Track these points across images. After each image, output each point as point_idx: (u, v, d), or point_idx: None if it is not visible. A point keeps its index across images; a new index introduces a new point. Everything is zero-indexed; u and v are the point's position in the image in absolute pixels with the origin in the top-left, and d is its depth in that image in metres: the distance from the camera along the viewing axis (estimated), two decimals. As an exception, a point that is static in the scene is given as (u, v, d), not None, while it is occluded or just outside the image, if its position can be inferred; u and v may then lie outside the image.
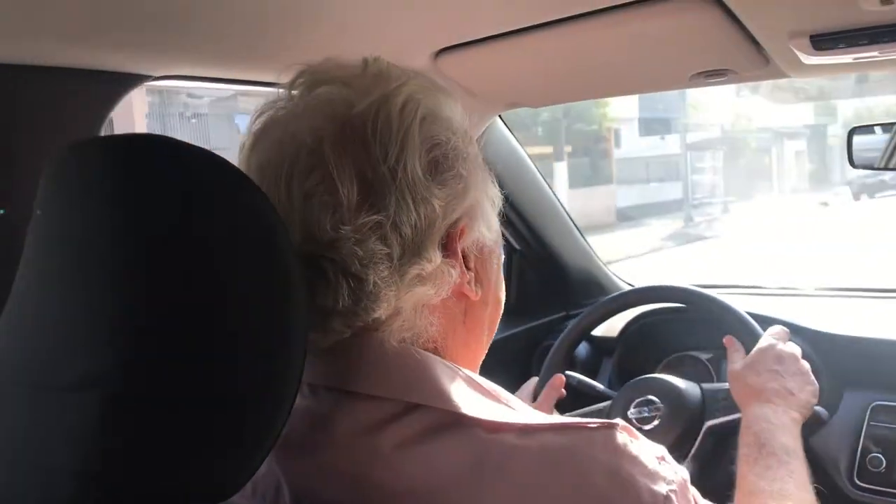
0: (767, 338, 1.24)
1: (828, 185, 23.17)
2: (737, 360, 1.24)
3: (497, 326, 0.78)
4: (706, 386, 1.36)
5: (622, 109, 20.00)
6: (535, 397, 1.44)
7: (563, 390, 1.38)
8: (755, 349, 1.22)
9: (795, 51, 1.04)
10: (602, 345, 1.74)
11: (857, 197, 20.59)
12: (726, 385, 1.29)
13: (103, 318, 0.52)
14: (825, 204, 20.44)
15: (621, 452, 0.62)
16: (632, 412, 1.36)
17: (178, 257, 0.53)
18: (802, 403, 1.14)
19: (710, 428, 1.31)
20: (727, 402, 1.28)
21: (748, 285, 2.06)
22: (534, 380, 1.50)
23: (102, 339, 0.52)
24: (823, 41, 0.98)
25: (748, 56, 1.11)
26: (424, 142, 0.66)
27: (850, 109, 24.16)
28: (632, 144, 21.42)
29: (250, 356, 0.54)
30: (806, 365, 1.19)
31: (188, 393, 0.52)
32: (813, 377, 1.18)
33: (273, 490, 0.68)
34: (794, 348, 1.21)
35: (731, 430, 1.27)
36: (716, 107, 22.69)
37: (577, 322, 1.56)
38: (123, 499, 0.51)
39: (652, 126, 21.86)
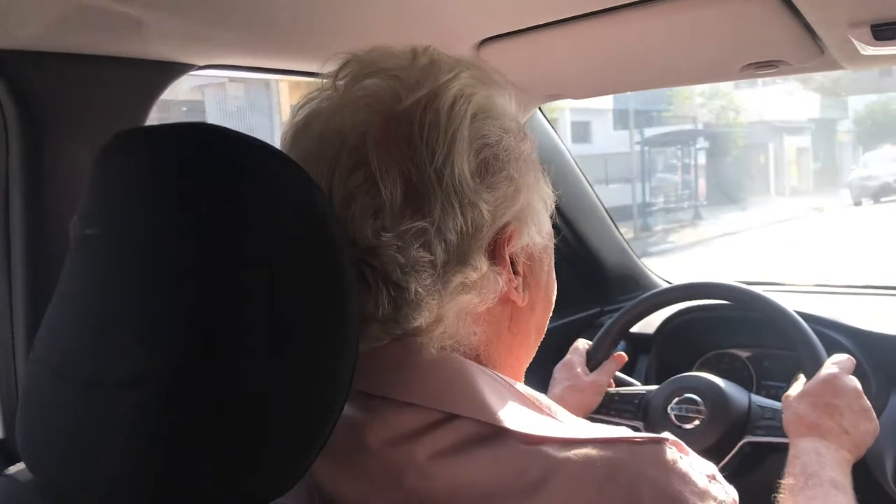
0: (830, 366, 1.17)
1: (835, 187, 20.33)
2: (795, 385, 1.19)
3: (545, 329, 0.75)
4: (755, 398, 1.32)
5: (590, 99, 17.47)
6: (587, 359, 1.44)
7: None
8: (816, 378, 1.16)
9: (854, 41, 1.01)
10: (638, 341, 1.71)
11: (857, 201, 18.05)
12: (776, 404, 1.25)
13: (154, 314, 0.51)
14: (819, 209, 17.94)
15: (670, 469, 0.59)
16: (672, 408, 1.34)
17: (231, 254, 0.51)
18: (857, 443, 1.08)
19: (747, 444, 1.27)
20: (772, 423, 1.24)
21: (786, 283, 2.03)
22: (582, 341, 1.48)
23: (153, 336, 0.51)
24: (885, 30, 0.95)
25: (803, 46, 1.08)
26: (474, 142, 0.63)
27: (861, 104, 22.25)
28: (604, 140, 18.48)
29: (305, 355, 0.53)
30: (867, 402, 1.12)
31: (238, 393, 0.51)
32: (874, 415, 1.12)
33: (305, 495, 0.66)
34: (856, 382, 1.15)
35: (768, 451, 1.24)
36: (700, 97, 19.35)
37: (627, 310, 1.52)
38: (171, 496, 0.50)
39: (628, 119, 18.55)
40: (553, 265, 0.75)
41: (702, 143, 20.04)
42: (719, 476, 0.64)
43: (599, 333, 1.49)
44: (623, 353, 1.45)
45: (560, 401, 1.33)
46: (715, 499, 0.60)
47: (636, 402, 1.40)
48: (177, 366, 0.50)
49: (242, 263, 0.52)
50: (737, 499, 0.64)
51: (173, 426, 0.50)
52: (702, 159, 20.22)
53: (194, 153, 0.53)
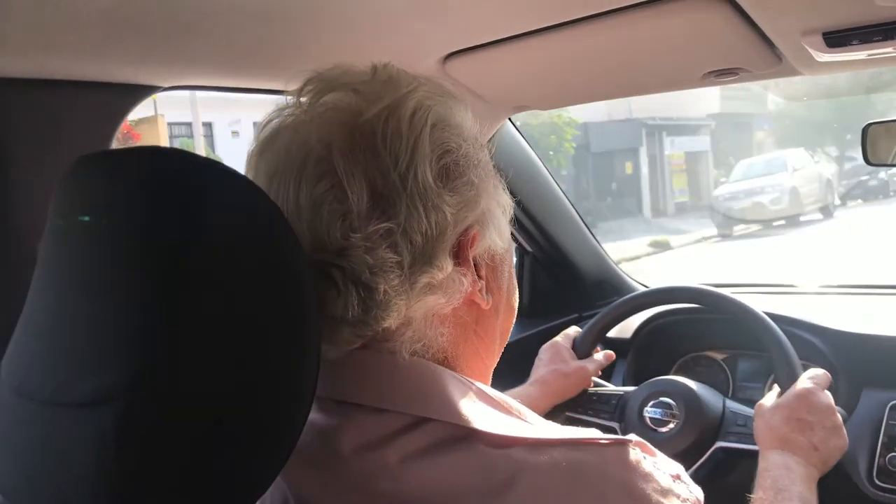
0: (805, 381, 1.18)
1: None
2: (769, 395, 1.20)
3: (510, 334, 0.78)
4: (729, 403, 1.34)
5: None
6: (574, 344, 1.45)
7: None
8: (791, 392, 1.17)
9: (808, 48, 1.03)
10: (616, 346, 1.72)
11: (724, 230, 13.23)
12: (750, 411, 1.26)
13: (116, 332, 0.52)
14: (660, 244, 12.55)
15: (633, 469, 0.61)
16: (647, 411, 1.35)
17: (189, 270, 0.53)
18: (824, 460, 1.10)
19: (720, 449, 1.29)
20: (744, 430, 1.26)
21: (759, 283, 2.05)
22: (573, 328, 1.50)
23: (115, 353, 0.52)
24: (836, 38, 0.98)
25: (760, 54, 1.10)
26: (435, 149, 0.65)
27: (780, 94, 16.44)
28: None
29: (264, 369, 0.54)
30: (839, 419, 1.14)
31: (201, 407, 0.52)
32: (844, 432, 1.13)
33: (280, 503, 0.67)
34: (830, 398, 1.16)
35: (740, 457, 1.25)
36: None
37: (616, 306, 1.53)
38: None
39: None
40: (513, 272, 0.77)
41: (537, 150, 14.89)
42: (685, 476, 0.66)
43: (589, 324, 1.50)
44: (612, 353, 1.47)
45: (543, 382, 1.37)
46: (678, 496, 0.62)
47: (613, 402, 1.41)
48: (137, 383, 0.51)
49: (202, 282, 0.53)
50: (701, 498, 0.66)
51: (135, 443, 0.50)
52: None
53: (154, 176, 0.55)
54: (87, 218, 0.56)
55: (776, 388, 1.22)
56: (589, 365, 1.41)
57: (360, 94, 0.66)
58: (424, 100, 0.67)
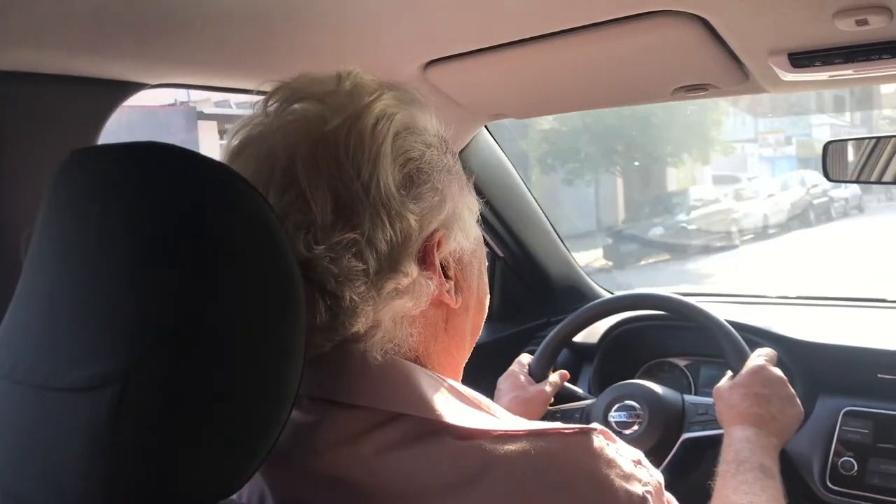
0: (756, 359, 1.25)
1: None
2: (724, 379, 1.26)
3: (481, 330, 0.80)
4: (688, 397, 1.40)
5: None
6: (529, 371, 1.49)
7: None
8: (744, 370, 1.24)
9: (774, 67, 1.07)
10: (582, 351, 1.76)
11: None
12: (708, 400, 1.32)
13: (111, 320, 0.53)
14: None
15: (597, 455, 0.64)
16: (612, 416, 1.39)
17: (184, 261, 0.54)
18: (783, 428, 1.16)
19: (686, 441, 1.34)
20: (706, 417, 1.32)
21: (726, 293, 2.11)
22: (525, 355, 1.54)
23: (110, 340, 0.53)
24: (801, 59, 1.02)
25: (729, 72, 1.14)
26: (398, 157, 0.67)
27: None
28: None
29: (254, 360, 0.56)
30: (791, 390, 1.20)
31: (192, 396, 0.53)
32: (798, 402, 1.20)
33: (257, 498, 0.69)
34: (780, 372, 1.23)
35: (706, 445, 1.30)
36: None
37: (564, 324, 1.57)
38: (126, 498, 0.52)
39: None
40: (484, 269, 0.78)
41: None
42: (645, 461, 0.69)
43: (540, 347, 1.54)
44: (566, 371, 1.51)
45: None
46: (640, 480, 0.65)
47: (577, 416, 1.45)
48: (131, 372, 0.51)
49: (198, 276, 0.54)
50: (662, 482, 0.69)
51: (126, 430, 0.51)
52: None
53: (149, 172, 0.56)
54: (81, 211, 0.57)
55: (729, 373, 1.28)
56: (546, 387, 1.45)
57: (324, 104, 0.67)
58: (387, 108, 0.68)
